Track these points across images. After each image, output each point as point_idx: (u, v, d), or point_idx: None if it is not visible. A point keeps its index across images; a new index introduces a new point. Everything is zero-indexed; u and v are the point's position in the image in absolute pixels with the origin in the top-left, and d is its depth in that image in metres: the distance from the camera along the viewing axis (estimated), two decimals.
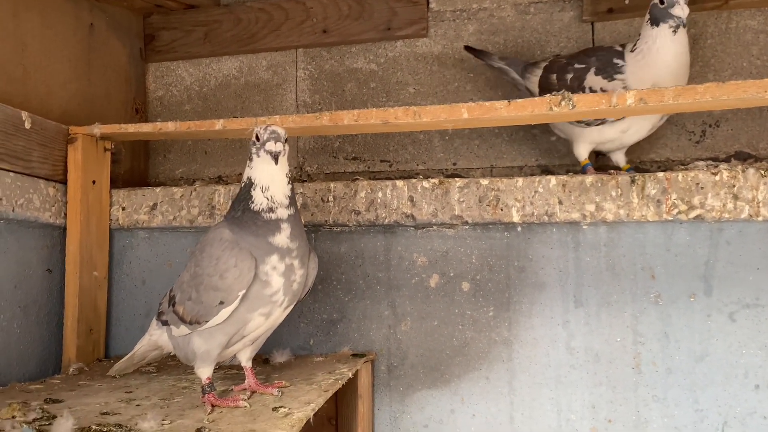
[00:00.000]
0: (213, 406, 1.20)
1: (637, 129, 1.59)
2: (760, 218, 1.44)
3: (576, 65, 1.63)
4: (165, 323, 1.29)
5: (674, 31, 1.51)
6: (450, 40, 2.02)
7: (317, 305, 1.67)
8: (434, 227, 1.63)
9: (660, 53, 1.52)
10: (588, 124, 1.60)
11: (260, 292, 1.18)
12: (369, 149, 2.05)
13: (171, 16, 2.15)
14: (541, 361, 1.56)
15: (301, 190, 1.64)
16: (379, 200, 1.62)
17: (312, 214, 1.64)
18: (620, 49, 1.60)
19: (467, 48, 1.89)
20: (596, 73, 1.59)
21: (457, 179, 1.59)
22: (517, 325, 1.58)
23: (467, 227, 1.61)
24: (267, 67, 2.12)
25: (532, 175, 1.92)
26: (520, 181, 1.55)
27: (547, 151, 1.93)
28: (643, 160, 1.88)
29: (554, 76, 1.66)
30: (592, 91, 1.58)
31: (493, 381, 1.58)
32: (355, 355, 1.57)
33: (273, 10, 2.09)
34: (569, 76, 1.63)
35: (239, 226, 1.20)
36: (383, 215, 1.61)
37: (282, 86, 2.11)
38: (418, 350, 1.62)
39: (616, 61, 1.57)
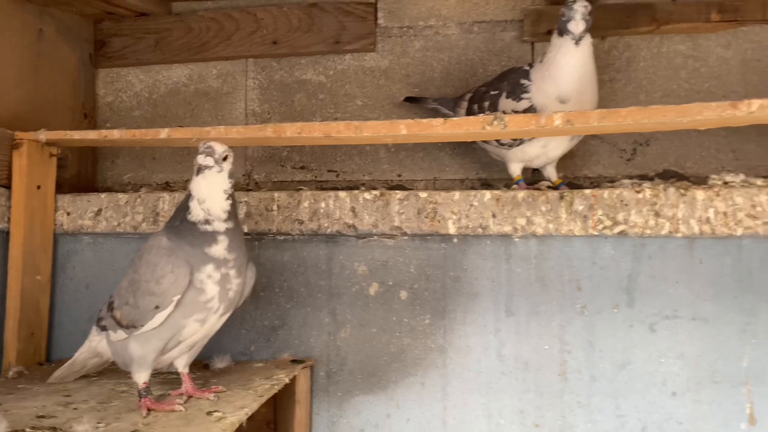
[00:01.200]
0: (149, 410, 1.24)
1: (556, 144, 1.66)
2: (679, 234, 1.53)
3: (491, 92, 1.71)
4: (104, 329, 1.32)
5: (576, 43, 1.58)
6: (397, 55, 2.08)
7: (259, 312, 1.71)
8: (375, 237, 1.68)
9: (562, 62, 1.59)
10: (510, 145, 1.67)
11: (195, 298, 1.22)
12: (316, 159, 2.10)
13: (122, 23, 2.16)
14: (473, 367, 1.62)
15: (246, 199, 1.68)
16: (322, 210, 1.67)
17: (256, 223, 1.68)
18: (527, 68, 1.68)
19: (407, 99, 1.99)
20: (507, 97, 1.66)
21: (397, 192, 1.65)
22: (451, 333, 1.64)
23: (406, 238, 1.67)
24: (217, 75, 2.16)
25: (473, 188, 1.99)
26: (456, 194, 1.62)
27: (487, 165, 2.00)
28: (576, 176, 1.96)
29: (476, 106, 1.73)
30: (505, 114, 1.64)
31: (427, 387, 1.63)
32: (294, 361, 1.62)
33: (224, 20, 2.12)
34: (486, 103, 1.70)
35: (177, 235, 1.24)
36: (326, 225, 1.66)
37: (232, 95, 2.15)
38: (356, 357, 1.67)
39: (522, 81, 1.65)
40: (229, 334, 1.69)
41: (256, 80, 2.14)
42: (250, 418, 1.60)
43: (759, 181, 1.58)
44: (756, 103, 1.32)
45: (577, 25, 1.56)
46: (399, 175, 2.07)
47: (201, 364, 1.61)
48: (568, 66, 1.59)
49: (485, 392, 1.61)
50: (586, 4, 1.57)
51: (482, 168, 2.02)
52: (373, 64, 2.09)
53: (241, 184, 2.10)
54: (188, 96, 2.17)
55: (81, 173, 2.08)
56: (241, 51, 2.12)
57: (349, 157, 2.09)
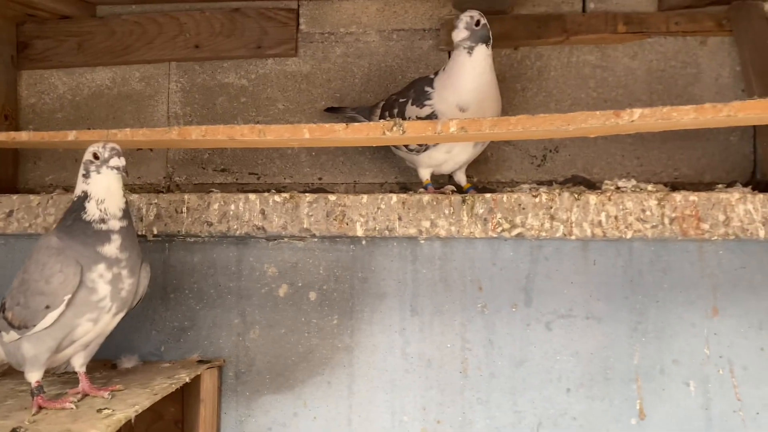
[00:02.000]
0: (40, 407, 1.26)
1: (460, 149, 1.72)
2: (573, 237, 1.59)
3: (400, 100, 1.76)
4: None
5: (469, 53, 1.64)
6: (318, 60, 2.12)
7: (169, 313, 1.73)
8: (285, 239, 1.72)
9: (458, 72, 1.65)
10: (418, 151, 1.72)
11: (87, 298, 1.25)
12: (238, 162, 2.13)
13: (45, 26, 2.16)
14: (378, 366, 1.67)
15: (156, 201, 1.70)
16: (231, 212, 1.69)
17: (166, 225, 1.70)
18: (432, 76, 1.73)
19: (327, 109, 2.04)
20: (412, 104, 1.72)
21: (306, 194, 1.68)
22: (358, 332, 1.68)
23: (316, 240, 1.71)
24: (140, 78, 2.17)
25: (391, 191, 2.04)
26: (364, 197, 1.66)
27: (405, 170, 2.04)
28: (490, 180, 2.02)
29: (387, 113, 1.78)
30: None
31: (334, 385, 1.67)
32: (200, 362, 1.64)
33: (147, 24, 2.14)
34: (396, 110, 1.76)
35: (69, 234, 1.26)
36: (235, 227, 1.69)
37: (154, 98, 2.16)
38: (265, 357, 1.70)
39: (426, 89, 1.70)
40: (138, 334, 1.71)
41: (178, 83, 2.16)
42: (160, 418, 1.63)
43: (649, 187, 1.66)
44: (637, 112, 1.38)
45: (457, 34, 1.61)
46: (320, 179, 2.11)
47: (109, 364, 1.63)
48: (464, 76, 1.64)
49: (390, 390, 1.65)
50: (473, 14, 1.63)
51: (401, 173, 2.07)
52: (294, 68, 2.13)
53: (162, 187, 2.11)
54: (111, 99, 2.18)
55: (1, 174, 2.08)
56: (164, 54, 2.14)
57: (270, 161, 2.12)
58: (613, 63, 2.01)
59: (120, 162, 1.27)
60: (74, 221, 1.27)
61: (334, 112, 2.03)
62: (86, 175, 1.28)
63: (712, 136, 1.96)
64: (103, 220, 1.26)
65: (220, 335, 1.71)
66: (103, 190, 1.28)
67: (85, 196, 1.28)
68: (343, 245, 1.70)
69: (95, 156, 1.28)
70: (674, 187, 1.73)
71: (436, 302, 1.66)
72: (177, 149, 2.13)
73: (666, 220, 1.55)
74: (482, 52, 1.64)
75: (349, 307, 1.69)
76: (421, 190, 1.76)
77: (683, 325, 1.58)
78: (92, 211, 1.27)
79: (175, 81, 2.16)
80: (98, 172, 1.28)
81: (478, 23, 1.63)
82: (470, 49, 1.63)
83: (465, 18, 1.62)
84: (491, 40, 1.67)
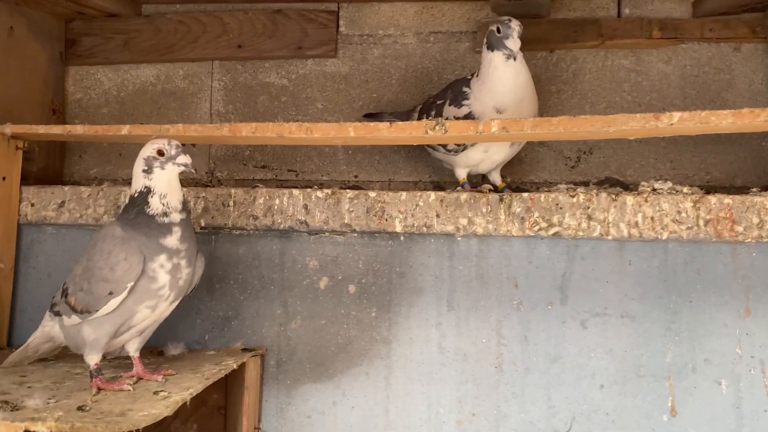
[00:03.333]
0: (99, 389, 1.32)
1: (496, 149, 1.76)
2: (609, 237, 1.63)
3: (437, 102, 1.81)
4: (57, 314, 1.40)
5: (507, 58, 1.68)
6: (357, 62, 2.17)
7: (214, 303, 1.79)
8: (326, 234, 1.77)
9: (496, 77, 1.69)
10: (456, 151, 1.77)
11: (147, 286, 1.30)
12: (277, 159, 2.18)
13: (92, 23, 2.24)
14: (415, 358, 1.71)
15: (204, 195, 1.76)
16: (276, 207, 1.75)
17: (213, 218, 1.76)
18: (470, 77, 1.78)
19: (366, 116, 2.08)
20: (449, 104, 1.76)
21: (348, 191, 1.73)
22: (396, 326, 1.73)
23: (356, 235, 1.76)
24: (184, 76, 2.24)
25: (425, 190, 2.08)
26: (403, 195, 1.71)
27: (439, 169, 2.09)
28: (524, 181, 2.07)
29: (425, 115, 1.83)
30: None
31: (372, 376, 1.72)
32: (245, 350, 1.70)
33: (192, 23, 2.20)
34: (433, 112, 1.80)
35: (132, 226, 1.32)
36: (279, 221, 1.75)
37: (197, 95, 2.23)
38: (306, 347, 1.75)
39: (464, 89, 1.75)
40: (184, 323, 1.77)
41: (221, 82, 2.22)
42: (203, 404, 1.69)
43: (685, 189, 1.69)
44: (676, 116, 1.42)
45: (515, 43, 1.65)
46: (356, 176, 2.16)
47: (156, 351, 1.69)
48: (502, 80, 1.69)
49: (426, 382, 1.70)
50: (519, 23, 1.67)
51: (434, 172, 2.12)
52: (333, 69, 2.18)
53: (204, 181, 2.17)
54: (155, 95, 2.25)
55: (48, 167, 2.15)
56: (207, 53, 2.20)
57: (308, 158, 2.18)
58: (648, 67, 2.05)
59: (187, 159, 1.34)
60: (137, 215, 1.33)
61: (372, 118, 2.07)
62: (148, 171, 1.34)
63: (744, 141, 1.99)
64: (165, 214, 1.32)
65: (263, 325, 1.77)
66: (165, 184, 1.34)
67: (147, 191, 1.34)
68: (381, 240, 1.75)
69: (160, 152, 1.34)
70: (707, 190, 1.76)
71: (472, 298, 1.70)
72: (219, 145, 2.19)
73: (701, 222, 1.58)
74: (520, 57, 1.68)
75: (387, 301, 1.74)
76: (459, 188, 1.81)
77: (716, 325, 1.61)
78: (155, 205, 1.33)
79: (217, 79, 2.22)
80: (162, 168, 1.34)
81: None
82: (509, 56, 1.67)
83: (517, 27, 1.66)
84: None
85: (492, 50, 1.70)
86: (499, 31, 1.67)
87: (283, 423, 1.73)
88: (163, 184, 1.34)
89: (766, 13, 1.95)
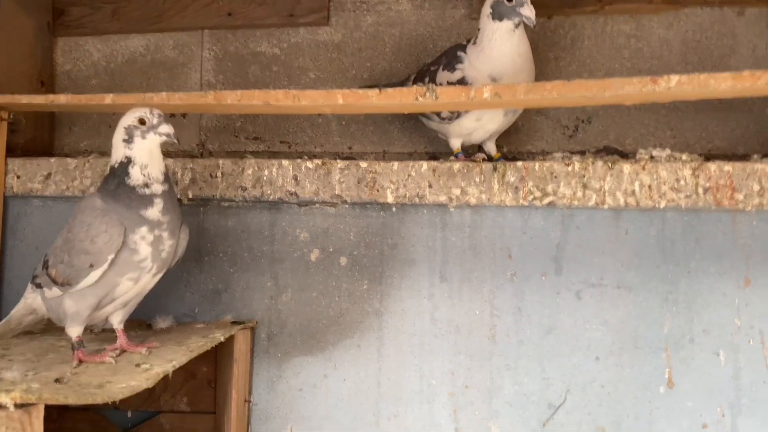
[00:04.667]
0: (81, 361, 1.30)
1: (490, 117, 1.71)
2: (605, 206, 1.59)
3: (432, 67, 1.76)
4: (38, 286, 1.37)
5: (515, 29, 1.62)
6: (350, 29, 2.12)
7: (203, 276, 1.76)
8: (316, 205, 1.74)
9: (497, 46, 1.63)
10: (450, 118, 1.72)
11: (129, 258, 1.28)
12: (270, 130, 2.14)
13: None
14: (407, 330, 1.68)
15: (191, 166, 1.73)
16: (265, 178, 1.71)
17: (201, 189, 1.73)
18: (465, 43, 1.73)
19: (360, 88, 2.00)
20: (443, 69, 1.72)
21: (338, 161, 1.70)
22: (388, 298, 1.70)
23: (347, 206, 1.73)
24: (173, 46, 2.19)
25: (421, 160, 2.04)
26: (395, 165, 1.67)
27: (435, 140, 2.04)
28: (520, 151, 2.02)
29: (419, 83, 1.78)
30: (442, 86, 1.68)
31: (363, 349, 1.70)
32: (234, 323, 1.67)
33: None
34: (427, 78, 1.75)
35: (113, 198, 1.29)
36: (269, 192, 1.71)
37: (187, 65, 2.18)
38: (296, 319, 1.73)
39: (459, 53, 1.70)
40: (173, 296, 1.75)
41: (211, 51, 2.17)
42: (193, 377, 1.67)
43: (684, 156, 1.64)
44: (674, 79, 1.38)
45: (531, 10, 1.58)
46: (350, 148, 2.12)
47: (144, 324, 1.66)
48: (503, 49, 1.63)
49: (418, 354, 1.67)
50: None
51: (430, 142, 2.07)
52: (326, 37, 2.13)
53: (194, 153, 2.14)
54: (145, 66, 2.20)
55: (37, 139, 2.11)
56: (197, 22, 2.15)
57: (301, 129, 2.13)
58: (648, 33, 1.98)
59: (170, 128, 1.30)
60: (118, 186, 1.30)
61: (369, 87, 2.01)
62: (129, 140, 1.30)
63: (746, 108, 1.93)
64: (146, 185, 1.29)
65: (253, 298, 1.74)
66: (147, 155, 1.31)
67: (128, 162, 1.30)
68: (373, 212, 1.72)
69: (141, 121, 1.30)
70: (708, 158, 1.71)
71: (465, 269, 1.67)
72: (210, 117, 2.14)
73: (700, 190, 1.54)
74: (523, 30, 1.62)
75: (378, 273, 1.71)
76: (452, 158, 1.76)
77: (714, 295, 1.58)
78: (136, 176, 1.30)
79: (208, 49, 2.17)
80: (143, 138, 1.31)
81: None
82: (517, 26, 1.62)
83: None
84: None
85: (500, 20, 1.62)
86: (524, 1, 1.60)
87: (274, 396, 1.71)
88: (144, 154, 1.30)
89: None
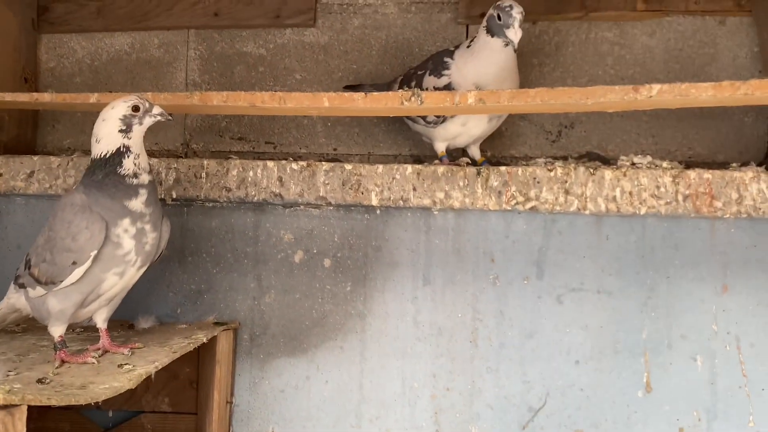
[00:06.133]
0: (63, 361, 1.29)
1: (475, 123, 1.73)
2: (587, 212, 1.61)
3: (418, 72, 1.77)
4: (21, 286, 1.37)
5: (505, 45, 1.65)
6: (336, 31, 2.13)
7: (186, 276, 1.76)
8: (301, 207, 1.74)
9: (486, 59, 1.66)
10: (435, 123, 1.74)
11: (113, 252, 1.28)
12: (255, 131, 2.14)
13: None
14: (390, 333, 1.69)
15: (175, 165, 1.73)
16: (249, 179, 1.71)
17: (185, 189, 1.73)
18: (453, 49, 1.74)
19: (346, 87, 2.03)
20: (430, 74, 1.73)
21: (323, 163, 1.70)
22: (371, 300, 1.71)
23: (331, 208, 1.73)
24: (159, 45, 2.18)
25: (405, 163, 2.05)
26: (380, 167, 1.68)
27: (419, 143, 2.06)
28: (504, 155, 2.04)
29: (405, 87, 1.79)
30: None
31: (346, 351, 1.70)
32: (217, 324, 1.67)
33: None
34: (413, 83, 1.77)
35: (98, 188, 1.28)
36: (253, 193, 1.71)
37: (173, 65, 2.18)
38: (279, 321, 1.73)
39: (445, 60, 1.72)
40: (155, 296, 1.74)
41: (197, 51, 2.17)
42: (175, 378, 1.67)
43: (664, 164, 1.67)
44: (656, 88, 1.40)
45: (516, 34, 1.60)
46: (335, 149, 2.13)
47: (126, 325, 1.66)
48: (491, 63, 1.66)
49: (401, 356, 1.68)
50: (522, 10, 1.62)
51: (415, 145, 2.08)
52: (312, 39, 2.13)
53: (179, 153, 2.13)
54: (130, 64, 2.20)
55: (20, 137, 2.10)
56: (183, 21, 2.15)
57: (287, 130, 2.14)
58: (631, 40, 2.01)
59: (159, 108, 1.32)
60: (107, 175, 1.29)
61: (352, 90, 2.03)
62: (127, 130, 1.30)
63: (726, 117, 1.96)
64: (136, 175, 1.30)
65: (236, 299, 1.74)
66: (139, 143, 1.32)
67: (124, 151, 1.30)
68: (357, 214, 1.73)
69: (136, 108, 1.31)
70: (688, 165, 1.74)
71: (448, 273, 1.68)
72: (195, 116, 2.14)
73: (680, 197, 1.56)
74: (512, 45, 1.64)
75: (362, 275, 1.72)
76: (437, 161, 1.78)
77: (693, 301, 1.60)
78: (128, 165, 1.30)
79: (193, 48, 2.17)
80: (140, 124, 1.32)
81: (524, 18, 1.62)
82: (506, 44, 1.64)
83: (519, 16, 1.60)
84: None
85: (492, 36, 1.65)
86: (499, 18, 1.62)
87: (256, 397, 1.72)
88: (138, 142, 1.32)
89: None
